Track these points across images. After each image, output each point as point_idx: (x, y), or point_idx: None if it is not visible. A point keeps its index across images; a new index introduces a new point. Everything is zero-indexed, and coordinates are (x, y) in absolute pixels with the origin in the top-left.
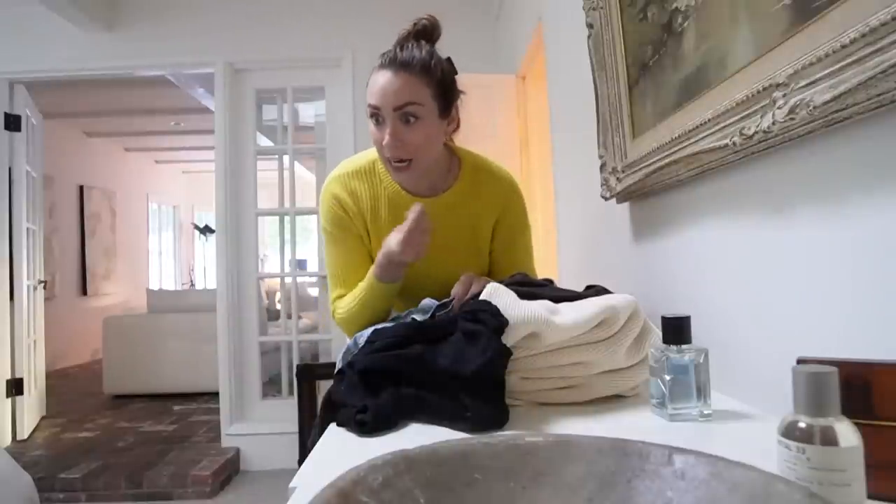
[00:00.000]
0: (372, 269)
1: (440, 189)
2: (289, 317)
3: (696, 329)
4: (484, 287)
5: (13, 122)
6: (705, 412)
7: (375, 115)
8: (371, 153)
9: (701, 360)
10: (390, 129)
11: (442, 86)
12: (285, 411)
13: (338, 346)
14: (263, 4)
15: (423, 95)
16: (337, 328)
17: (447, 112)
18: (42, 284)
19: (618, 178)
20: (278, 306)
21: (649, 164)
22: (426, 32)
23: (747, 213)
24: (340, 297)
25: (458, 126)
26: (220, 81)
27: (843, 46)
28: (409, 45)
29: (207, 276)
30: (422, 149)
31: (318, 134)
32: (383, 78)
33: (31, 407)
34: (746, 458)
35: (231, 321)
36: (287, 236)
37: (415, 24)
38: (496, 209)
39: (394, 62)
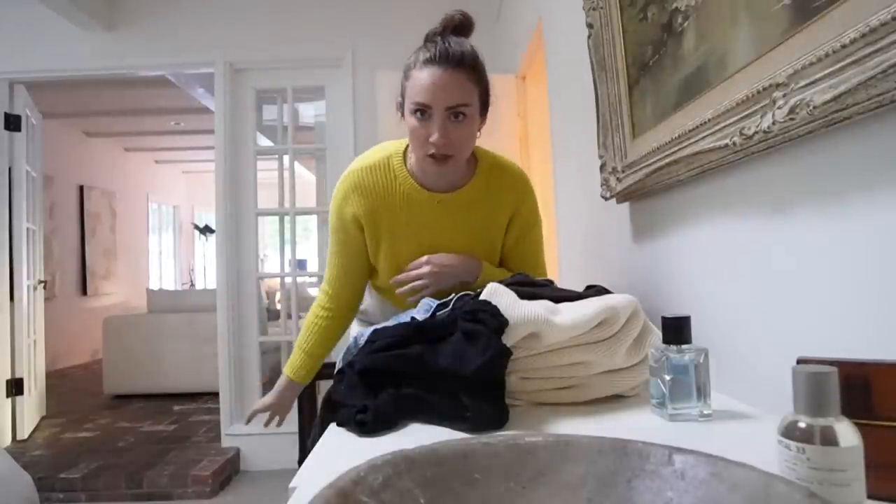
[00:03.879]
0: (286, 374)
1: (457, 186)
2: (289, 317)
3: (696, 329)
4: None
5: (13, 122)
6: (705, 412)
7: (423, 111)
8: (384, 150)
9: (701, 360)
10: (440, 126)
11: (485, 87)
12: None
13: (338, 346)
14: (263, 4)
15: (472, 96)
16: None
17: (485, 112)
18: (42, 284)
19: (618, 178)
20: (278, 306)
21: (649, 164)
22: (463, 28)
23: (747, 213)
24: (321, 291)
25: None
26: (220, 81)
27: (843, 46)
28: (454, 41)
29: (207, 276)
30: (464, 146)
31: (318, 134)
32: (434, 75)
33: (31, 407)
34: (746, 458)
35: (231, 321)
36: (287, 236)
37: (451, 17)
38: (511, 205)
39: (445, 59)
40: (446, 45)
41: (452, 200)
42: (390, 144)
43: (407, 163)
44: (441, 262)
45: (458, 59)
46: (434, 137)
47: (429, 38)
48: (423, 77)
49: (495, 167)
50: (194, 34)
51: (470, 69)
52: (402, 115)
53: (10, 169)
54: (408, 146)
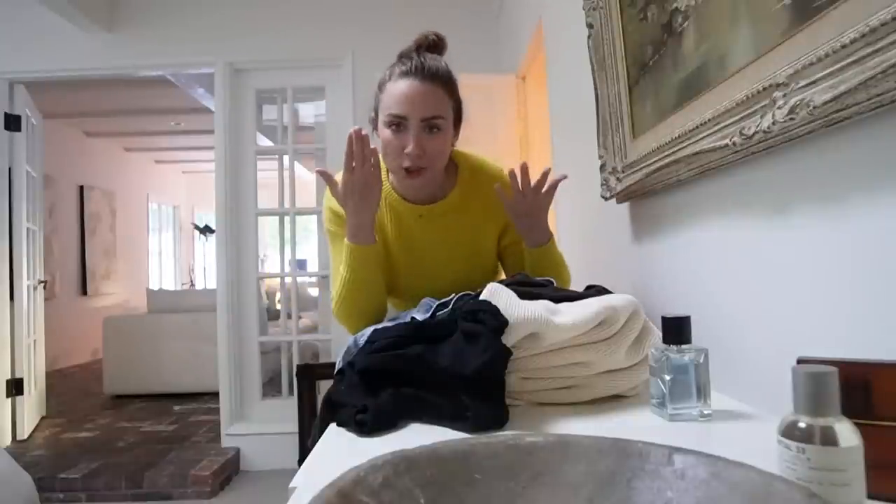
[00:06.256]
0: (345, 238)
1: (439, 196)
2: (289, 317)
3: (696, 329)
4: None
5: (13, 122)
6: (705, 412)
7: (398, 123)
8: None
9: (701, 360)
10: (415, 138)
11: (458, 102)
12: (285, 411)
13: (338, 346)
14: (263, 4)
15: (446, 108)
16: (337, 328)
17: (458, 126)
18: (42, 284)
19: (618, 178)
20: (278, 306)
21: (649, 164)
22: (436, 47)
23: (747, 213)
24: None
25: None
26: (220, 81)
27: (843, 46)
28: (429, 56)
29: (207, 276)
30: (438, 159)
31: (318, 134)
32: (410, 87)
33: (31, 407)
34: (746, 458)
35: (231, 321)
36: (287, 236)
37: (425, 37)
38: (501, 211)
39: (421, 71)
40: (422, 59)
41: (435, 212)
42: None
43: (389, 177)
44: None
45: (434, 72)
46: (409, 148)
47: (403, 55)
48: (400, 89)
49: (477, 172)
50: (194, 34)
51: (445, 83)
52: (375, 128)
53: (10, 169)
54: None
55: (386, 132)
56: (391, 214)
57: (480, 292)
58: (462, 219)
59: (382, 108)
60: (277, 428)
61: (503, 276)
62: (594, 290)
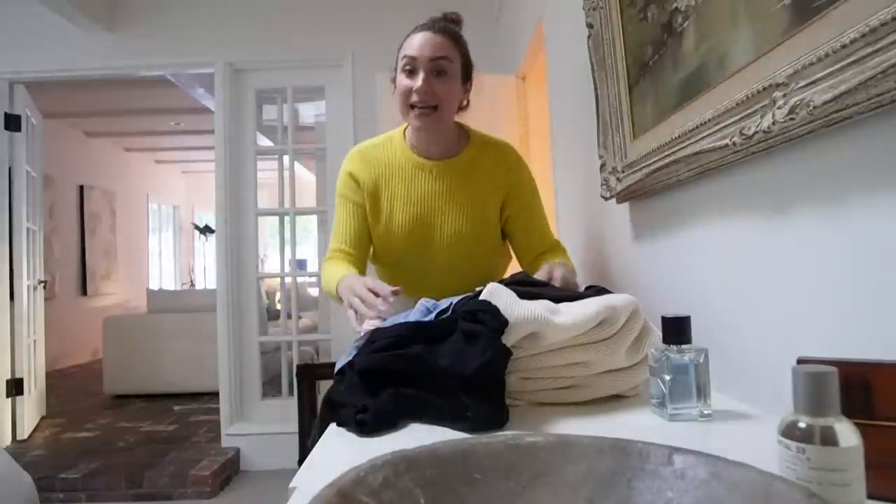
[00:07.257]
0: (339, 282)
1: (451, 153)
2: (289, 317)
3: (696, 329)
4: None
5: (13, 122)
6: (705, 412)
7: (410, 66)
8: (387, 133)
9: (701, 360)
10: (424, 77)
11: (466, 57)
12: (285, 411)
13: (338, 347)
14: (263, 4)
15: (454, 54)
16: (337, 328)
17: (466, 81)
18: (42, 284)
19: (618, 178)
20: (278, 306)
21: (649, 164)
22: (454, 21)
23: (747, 213)
24: (334, 249)
25: (467, 104)
26: (220, 81)
27: (843, 46)
28: (445, 22)
29: (207, 276)
30: (447, 100)
31: (318, 134)
32: (422, 36)
33: (31, 407)
34: (746, 458)
35: (231, 321)
36: (287, 236)
37: (445, 14)
38: (505, 179)
39: (433, 25)
40: (438, 20)
41: (447, 167)
42: (393, 129)
43: (406, 138)
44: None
45: (444, 28)
46: (417, 86)
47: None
48: (413, 38)
49: (488, 143)
50: (194, 34)
51: (454, 37)
52: (395, 87)
53: (10, 169)
54: (406, 127)
55: (401, 77)
56: (404, 170)
57: (480, 292)
58: (470, 179)
59: (399, 58)
60: (277, 428)
61: (508, 258)
62: (593, 290)
